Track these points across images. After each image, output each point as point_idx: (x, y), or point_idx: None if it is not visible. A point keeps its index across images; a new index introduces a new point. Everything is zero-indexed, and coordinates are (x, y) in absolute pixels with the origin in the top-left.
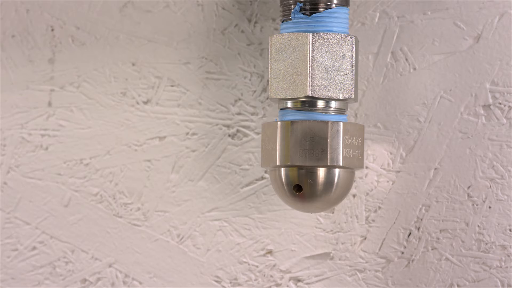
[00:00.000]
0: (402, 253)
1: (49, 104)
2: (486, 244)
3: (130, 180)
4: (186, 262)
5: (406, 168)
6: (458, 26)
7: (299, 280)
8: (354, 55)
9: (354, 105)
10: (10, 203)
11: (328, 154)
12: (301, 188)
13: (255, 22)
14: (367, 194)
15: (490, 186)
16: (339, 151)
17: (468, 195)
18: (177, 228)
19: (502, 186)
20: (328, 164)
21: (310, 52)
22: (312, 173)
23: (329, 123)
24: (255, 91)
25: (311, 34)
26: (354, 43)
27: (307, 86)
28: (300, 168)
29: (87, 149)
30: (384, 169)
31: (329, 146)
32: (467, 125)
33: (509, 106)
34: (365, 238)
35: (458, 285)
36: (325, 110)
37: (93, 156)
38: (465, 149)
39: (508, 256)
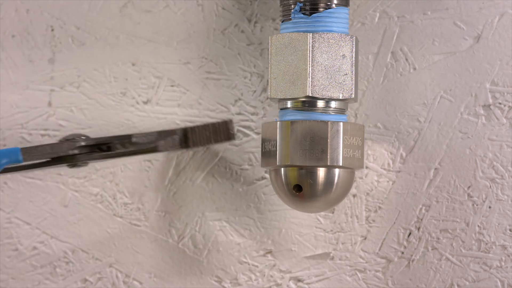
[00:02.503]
0: (402, 253)
1: (49, 104)
2: (486, 244)
3: (130, 180)
4: (186, 262)
5: (406, 168)
6: (458, 26)
7: (299, 280)
8: (354, 55)
9: (354, 105)
10: (10, 203)
11: (328, 154)
12: (301, 188)
13: (255, 22)
14: (367, 194)
15: (490, 186)
16: (339, 151)
17: (468, 195)
18: (177, 228)
19: (502, 186)
20: (328, 164)
21: (310, 52)
22: (312, 173)
23: (329, 123)
24: (255, 91)
25: (311, 34)
26: (354, 43)
27: (307, 86)
28: (300, 168)
29: None
30: (384, 169)
31: (329, 146)
32: (467, 125)
33: (509, 106)
34: (365, 238)
35: (458, 285)
36: (325, 110)
37: None
38: (465, 149)
39: (508, 256)
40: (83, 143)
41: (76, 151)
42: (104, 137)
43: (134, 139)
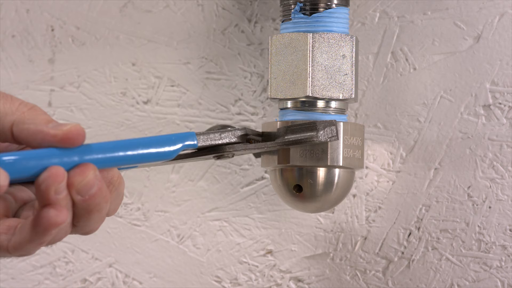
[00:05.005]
0: (402, 253)
1: (49, 104)
2: (486, 244)
3: (130, 180)
4: (186, 262)
5: (406, 168)
6: (458, 26)
7: (299, 280)
8: (354, 55)
9: (354, 105)
10: None
11: (328, 154)
12: (301, 188)
13: (255, 22)
14: (367, 194)
15: (490, 186)
16: (339, 151)
17: (468, 195)
18: (177, 228)
19: (502, 186)
20: (328, 164)
21: (310, 52)
22: (312, 173)
23: None
24: (255, 91)
25: (311, 34)
26: (354, 43)
27: (307, 86)
28: (300, 168)
29: None
30: (384, 169)
31: (329, 146)
32: (467, 125)
33: (509, 106)
34: (365, 238)
35: (458, 285)
36: (325, 110)
37: None
38: (465, 149)
39: (508, 256)
40: (240, 133)
41: (234, 140)
42: (255, 131)
43: (290, 129)
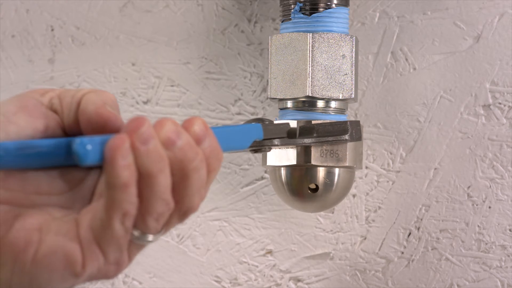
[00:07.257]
0: (402, 253)
1: None
2: (486, 244)
3: None
4: (186, 262)
5: (406, 168)
6: (458, 26)
7: (299, 280)
8: (354, 55)
9: (354, 105)
10: None
11: (347, 155)
12: (317, 188)
13: (255, 22)
14: (367, 194)
15: (490, 186)
16: (358, 152)
17: (468, 195)
18: (177, 228)
19: (502, 186)
20: (347, 164)
21: (310, 52)
22: (313, 172)
23: None
24: (255, 91)
25: (311, 34)
26: (354, 43)
27: (307, 86)
28: (308, 168)
29: None
30: (384, 169)
31: (347, 146)
32: (467, 125)
33: (509, 106)
34: (365, 238)
35: (458, 285)
36: (325, 110)
37: None
38: (465, 149)
39: (508, 256)
40: (288, 128)
41: (284, 135)
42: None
43: (328, 127)
